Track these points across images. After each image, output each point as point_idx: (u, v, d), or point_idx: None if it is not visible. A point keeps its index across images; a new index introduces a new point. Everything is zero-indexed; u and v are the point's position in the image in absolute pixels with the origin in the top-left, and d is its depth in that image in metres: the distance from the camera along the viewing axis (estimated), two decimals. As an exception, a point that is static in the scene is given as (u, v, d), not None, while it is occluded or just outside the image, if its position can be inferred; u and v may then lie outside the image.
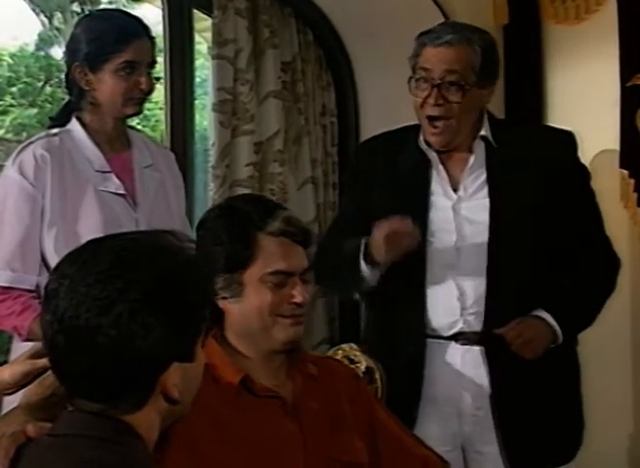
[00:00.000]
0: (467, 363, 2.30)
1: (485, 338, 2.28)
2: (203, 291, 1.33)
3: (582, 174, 2.40)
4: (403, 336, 2.32)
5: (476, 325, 2.28)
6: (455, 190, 2.32)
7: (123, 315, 1.23)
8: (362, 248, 2.24)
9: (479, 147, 2.33)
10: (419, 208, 2.30)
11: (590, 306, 2.37)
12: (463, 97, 2.24)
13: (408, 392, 2.30)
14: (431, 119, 2.28)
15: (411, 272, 2.28)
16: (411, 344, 2.30)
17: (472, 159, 2.32)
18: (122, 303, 1.23)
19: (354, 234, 2.31)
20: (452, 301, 2.29)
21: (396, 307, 2.34)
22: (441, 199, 2.32)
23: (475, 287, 2.28)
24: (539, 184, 2.28)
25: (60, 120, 2.40)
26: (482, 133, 2.32)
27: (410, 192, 2.33)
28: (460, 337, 2.29)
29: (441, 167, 2.33)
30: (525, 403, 2.28)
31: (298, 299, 1.75)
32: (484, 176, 2.31)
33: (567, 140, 2.38)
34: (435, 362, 2.31)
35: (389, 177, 2.37)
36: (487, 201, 2.28)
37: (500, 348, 2.25)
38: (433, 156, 2.33)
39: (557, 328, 2.27)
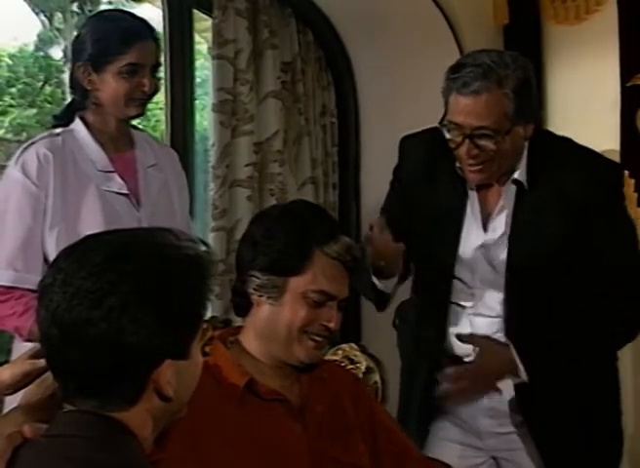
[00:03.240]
0: None
1: None
2: (199, 289, 1.32)
3: (616, 216, 2.25)
4: (425, 354, 2.31)
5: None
6: (485, 227, 2.24)
7: (115, 308, 1.23)
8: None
9: (510, 190, 2.22)
10: (450, 245, 2.24)
11: (592, 350, 2.24)
12: (498, 143, 2.10)
13: (424, 405, 2.30)
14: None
15: (438, 303, 2.28)
16: (432, 361, 2.29)
17: (501, 201, 2.22)
18: (114, 296, 1.23)
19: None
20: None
21: (423, 327, 2.33)
22: (470, 237, 2.24)
23: (488, 326, 2.23)
24: (564, 232, 2.18)
25: (64, 119, 2.40)
26: (515, 176, 2.20)
27: (444, 225, 2.25)
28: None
29: (477, 200, 2.25)
30: (559, 416, 2.23)
31: (331, 325, 1.74)
32: (509, 220, 2.21)
33: (607, 178, 2.23)
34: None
35: (429, 195, 2.29)
36: (506, 251, 2.20)
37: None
38: (472, 185, 2.24)
39: (520, 367, 2.16)
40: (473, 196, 2.25)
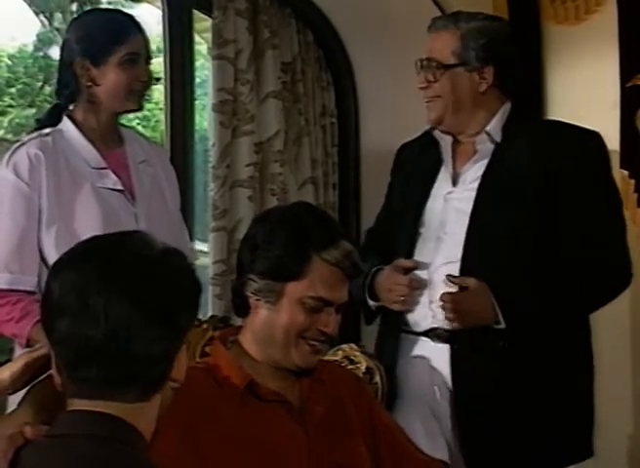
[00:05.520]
0: (438, 360, 2.25)
1: (454, 337, 2.22)
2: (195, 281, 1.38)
3: (597, 181, 2.28)
4: (387, 331, 2.34)
5: (444, 319, 2.23)
6: (455, 182, 2.31)
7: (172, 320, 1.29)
8: (367, 281, 2.33)
9: (484, 142, 2.30)
10: (419, 197, 2.34)
11: (558, 308, 2.26)
12: (441, 75, 2.27)
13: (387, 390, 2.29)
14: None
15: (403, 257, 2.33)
16: (392, 338, 2.31)
17: (475, 156, 2.31)
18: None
19: (384, 233, 2.43)
20: (420, 293, 2.27)
21: None
22: (439, 189, 2.33)
23: (445, 282, 2.23)
24: (539, 182, 2.23)
25: (49, 121, 2.38)
26: (487, 128, 2.30)
27: (417, 182, 2.37)
28: (430, 334, 2.25)
29: (449, 157, 2.33)
30: (488, 407, 2.21)
31: (328, 330, 1.74)
32: (482, 170, 2.29)
33: (587, 143, 2.30)
34: (409, 358, 2.28)
35: (411, 171, 2.42)
36: (474, 193, 2.27)
37: (468, 348, 2.21)
38: (445, 144, 2.34)
39: (500, 316, 2.18)
40: (447, 159, 2.34)
